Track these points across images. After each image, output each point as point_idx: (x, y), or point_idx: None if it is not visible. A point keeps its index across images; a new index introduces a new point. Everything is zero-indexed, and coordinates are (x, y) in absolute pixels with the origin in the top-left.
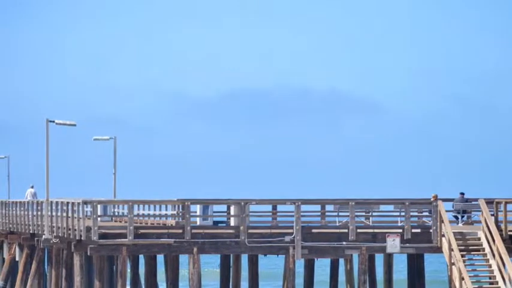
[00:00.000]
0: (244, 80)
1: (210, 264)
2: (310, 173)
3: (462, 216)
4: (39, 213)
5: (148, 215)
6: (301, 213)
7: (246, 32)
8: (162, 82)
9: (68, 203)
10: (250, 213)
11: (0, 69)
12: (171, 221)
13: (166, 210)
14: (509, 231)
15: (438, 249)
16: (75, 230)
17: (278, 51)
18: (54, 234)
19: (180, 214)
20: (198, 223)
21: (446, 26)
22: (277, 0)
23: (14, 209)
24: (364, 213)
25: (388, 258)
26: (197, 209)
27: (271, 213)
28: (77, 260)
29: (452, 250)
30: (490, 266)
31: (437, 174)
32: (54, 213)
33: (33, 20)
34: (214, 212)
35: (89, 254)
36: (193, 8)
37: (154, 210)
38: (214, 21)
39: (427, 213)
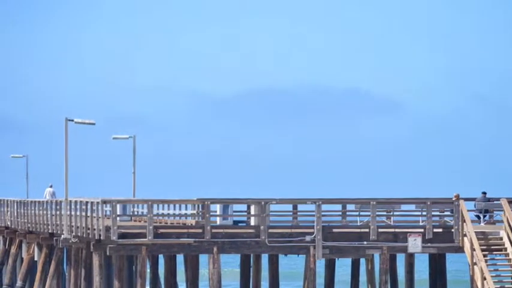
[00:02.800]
0: (264, 79)
1: (230, 264)
2: (330, 172)
3: (484, 216)
4: (58, 212)
5: (168, 215)
6: (322, 213)
7: (265, 30)
8: (182, 81)
9: (87, 202)
10: (271, 213)
11: (19, 68)
12: (190, 221)
13: (186, 209)
14: None
15: (460, 249)
16: (94, 229)
17: (298, 50)
18: (73, 233)
19: (200, 213)
20: (218, 223)
21: (467, 25)
22: None
23: (32, 208)
24: (385, 213)
25: (410, 258)
26: (217, 208)
27: (291, 213)
28: (96, 260)
29: (474, 250)
30: None
31: (458, 173)
32: (73, 213)
33: (52, 19)
34: (234, 211)
35: (108, 253)
36: (212, 8)
37: (174, 209)
38: (234, 20)
39: (448, 213)
